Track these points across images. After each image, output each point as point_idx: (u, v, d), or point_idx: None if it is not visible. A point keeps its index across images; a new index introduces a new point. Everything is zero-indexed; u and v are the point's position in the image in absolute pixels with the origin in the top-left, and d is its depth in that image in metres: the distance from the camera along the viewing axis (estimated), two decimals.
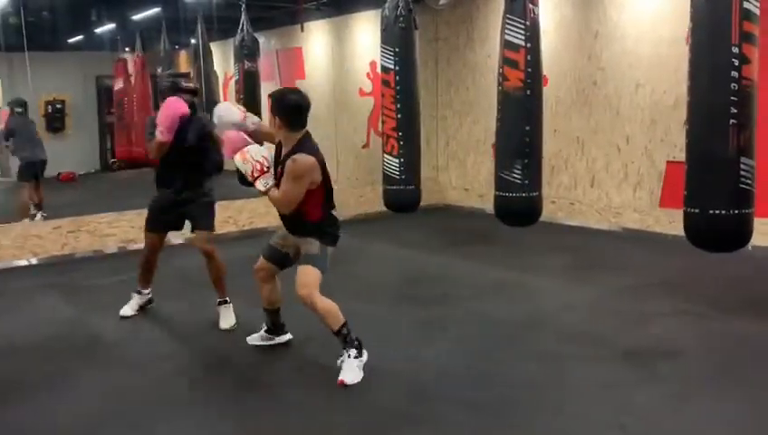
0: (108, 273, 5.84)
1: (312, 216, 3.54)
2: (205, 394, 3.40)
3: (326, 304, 3.48)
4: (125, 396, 3.39)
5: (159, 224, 4.52)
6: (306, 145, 3.49)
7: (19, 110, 7.93)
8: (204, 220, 4.44)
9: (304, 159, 3.41)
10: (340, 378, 3.39)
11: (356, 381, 3.38)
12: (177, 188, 4.36)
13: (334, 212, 3.66)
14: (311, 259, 3.50)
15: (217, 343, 4.13)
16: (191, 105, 4.29)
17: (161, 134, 4.17)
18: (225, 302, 4.43)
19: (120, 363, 3.83)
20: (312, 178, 3.44)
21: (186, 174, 4.34)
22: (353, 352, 3.46)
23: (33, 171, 7.97)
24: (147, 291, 4.72)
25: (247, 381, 3.53)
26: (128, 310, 4.62)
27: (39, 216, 7.84)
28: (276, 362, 3.80)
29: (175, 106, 4.18)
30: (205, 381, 3.57)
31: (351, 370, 3.42)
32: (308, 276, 3.46)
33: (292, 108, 3.49)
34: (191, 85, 4.50)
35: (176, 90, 4.31)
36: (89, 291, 5.36)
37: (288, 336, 4.00)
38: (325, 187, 3.56)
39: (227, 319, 4.37)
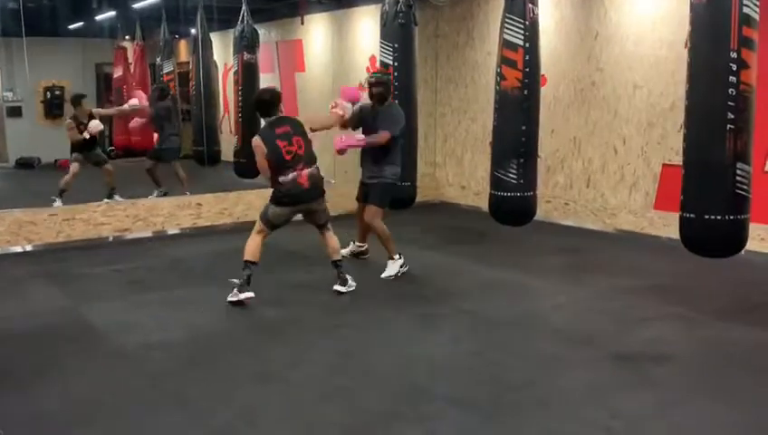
0: (102, 262, 5.85)
1: None
2: (196, 386, 3.41)
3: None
4: (116, 386, 3.40)
5: (360, 195, 5.59)
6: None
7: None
8: (374, 197, 5.34)
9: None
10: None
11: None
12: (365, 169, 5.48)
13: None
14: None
15: (210, 334, 4.14)
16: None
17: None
18: (391, 258, 5.31)
19: (111, 353, 3.84)
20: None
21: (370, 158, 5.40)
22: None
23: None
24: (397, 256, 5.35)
25: (239, 376, 3.54)
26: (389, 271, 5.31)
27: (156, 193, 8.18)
28: (264, 352, 3.81)
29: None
30: (197, 373, 3.58)
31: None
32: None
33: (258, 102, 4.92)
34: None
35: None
36: (82, 279, 5.37)
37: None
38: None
39: (388, 271, 5.29)
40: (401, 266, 5.29)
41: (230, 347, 3.92)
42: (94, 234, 6.58)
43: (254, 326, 4.29)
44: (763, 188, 5.56)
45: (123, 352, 3.84)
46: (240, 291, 4.55)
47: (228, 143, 9.37)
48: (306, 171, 4.65)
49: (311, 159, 4.73)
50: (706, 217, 3.95)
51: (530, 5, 4.84)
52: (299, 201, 4.69)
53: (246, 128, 8.26)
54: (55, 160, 10.66)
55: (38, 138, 10.71)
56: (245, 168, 8.41)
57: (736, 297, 4.78)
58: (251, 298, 4.58)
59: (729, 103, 3.76)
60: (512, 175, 4.90)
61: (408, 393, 3.31)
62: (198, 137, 8.95)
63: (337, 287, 4.85)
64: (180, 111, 10.60)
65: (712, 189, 3.95)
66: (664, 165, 6.37)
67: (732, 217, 3.90)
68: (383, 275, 5.25)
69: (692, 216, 4.04)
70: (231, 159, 8.57)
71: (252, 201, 7.43)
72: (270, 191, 4.79)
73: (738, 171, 3.89)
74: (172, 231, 6.98)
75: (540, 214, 5.59)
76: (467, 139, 8.47)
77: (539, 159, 5.12)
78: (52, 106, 11.10)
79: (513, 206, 5.00)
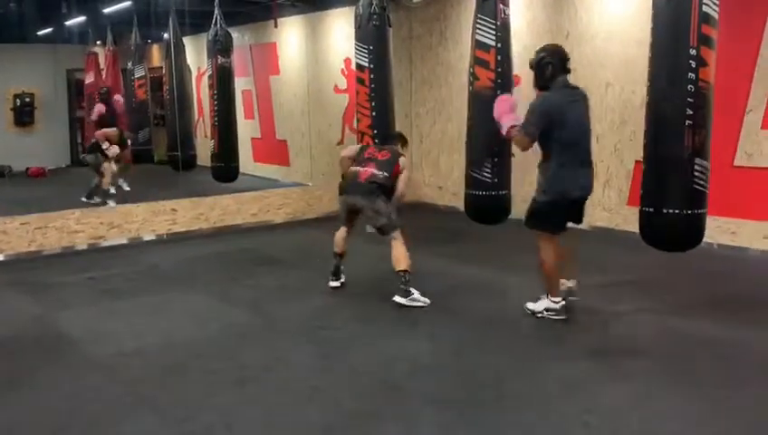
0: (75, 270, 5.77)
1: None
2: (173, 393, 3.38)
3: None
4: (90, 395, 3.35)
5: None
6: None
7: None
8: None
9: None
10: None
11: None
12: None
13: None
14: None
15: (186, 340, 4.11)
16: None
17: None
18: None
19: (85, 362, 3.79)
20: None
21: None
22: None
23: None
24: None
25: (216, 381, 3.52)
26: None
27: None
28: (241, 357, 3.79)
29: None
30: (172, 379, 3.55)
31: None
32: None
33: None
34: None
35: None
36: (55, 288, 5.29)
37: None
38: None
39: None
40: (548, 311, 4.26)
41: (206, 353, 3.89)
42: (68, 242, 6.50)
43: (231, 331, 4.26)
44: (734, 182, 5.68)
45: (97, 361, 3.80)
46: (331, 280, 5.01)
47: (204, 147, 9.33)
48: (370, 171, 4.79)
49: (383, 168, 4.82)
50: (665, 211, 4.01)
51: (501, 6, 4.89)
52: (348, 192, 4.87)
53: (222, 131, 8.25)
54: (27, 169, 10.50)
55: (8, 146, 10.52)
56: (223, 171, 8.39)
57: (708, 291, 4.85)
58: (336, 287, 4.98)
59: (688, 100, 3.84)
60: (486, 174, 4.94)
61: (387, 393, 3.32)
62: (173, 142, 8.91)
63: (396, 298, 4.60)
64: (155, 116, 10.53)
65: (670, 184, 4.01)
66: (637, 162, 6.44)
67: (689, 212, 3.96)
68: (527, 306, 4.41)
69: (651, 210, 4.09)
70: (207, 163, 8.53)
71: (228, 205, 7.41)
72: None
73: (696, 166, 3.96)
74: (148, 237, 6.92)
75: (515, 212, 5.63)
76: (443, 139, 8.51)
77: (512, 159, 5.16)
78: (22, 113, 10.92)
79: (488, 204, 5.04)
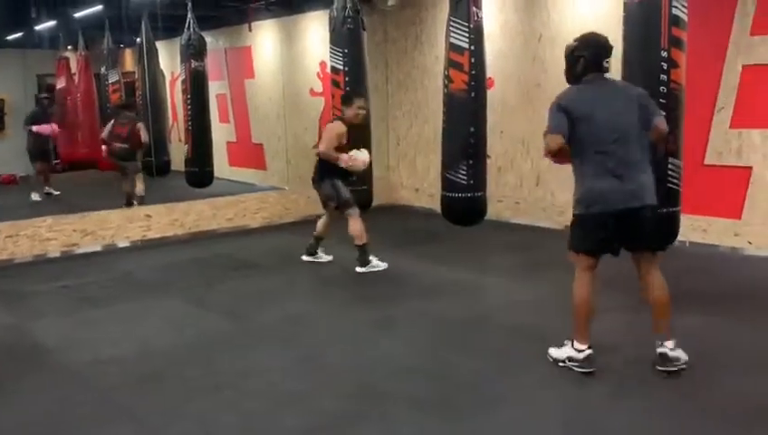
0: (49, 278, 5.69)
1: None
2: (149, 401, 3.35)
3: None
4: (65, 404, 3.31)
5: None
6: None
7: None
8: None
9: None
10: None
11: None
12: None
13: None
14: None
15: (162, 348, 4.07)
16: None
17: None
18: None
19: (60, 371, 3.74)
20: None
21: None
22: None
23: None
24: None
25: (193, 388, 3.49)
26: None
27: None
28: (218, 363, 3.77)
29: None
30: (149, 387, 3.51)
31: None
32: None
33: None
34: None
35: None
36: (29, 297, 5.21)
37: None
38: None
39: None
40: (571, 361, 3.46)
41: (183, 360, 3.86)
42: (40, 250, 6.40)
43: (207, 338, 4.23)
44: (704, 181, 5.78)
45: (73, 370, 3.74)
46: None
47: (178, 152, 9.24)
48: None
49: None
50: None
51: (474, 9, 4.93)
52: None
53: (196, 136, 8.19)
54: None
55: None
56: (197, 177, 8.33)
57: (680, 288, 4.89)
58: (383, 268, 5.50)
59: (660, 101, 3.91)
60: (462, 176, 4.97)
61: (366, 395, 3.32)
62: (147, 147, 8.81)
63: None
64: None
65: None
66: None
67: (665, 210, 4.04)
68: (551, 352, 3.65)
69: None
70: (181, 168, 8.46)
71: (203, 211, 7.35)
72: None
73: (670, 166, 4.04)
74: (122, 244, 6.84)
75: (491, 213, 5.68)
76: (420, 141, 8.54)
77: (488, 160, 5.21)
78: None
79: (464, 206, 5.07)
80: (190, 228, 7.19)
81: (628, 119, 3.33)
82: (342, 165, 5.28)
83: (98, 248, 6.67)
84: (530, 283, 5.19)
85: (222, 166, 10.24)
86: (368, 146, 5.86)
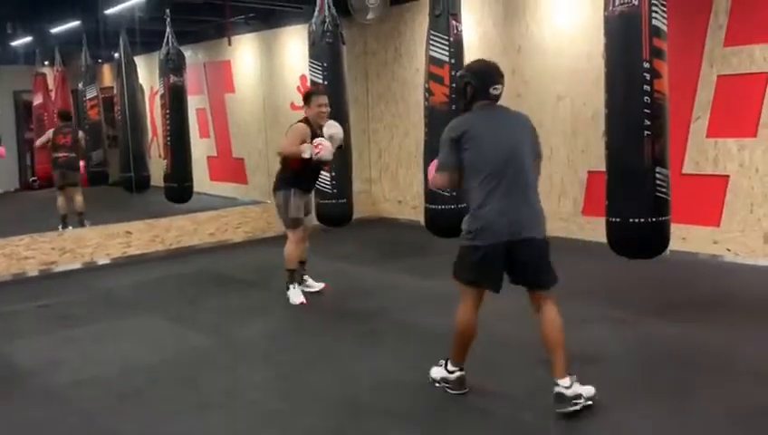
0: (27, 298, 5.58)
1: None
2: (131, 421, 3.28)
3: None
4: (45, 427, 3.24)
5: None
6: None
7: None
8: None
9: None
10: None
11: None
12: None
13: None
14: None
15: (144, 367, 4.00)
16: None
17: None
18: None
19: (38, 393, 3.66)
20: None
21: None
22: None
23: None
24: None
25: (175, 407, 3.43)
26: None
27: None
28: (200, 382, 3.71)
29: None
30: (130, 407, 3.45)
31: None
32: None
33: None
34: None
35: None
36: (5, 317, 5.10)
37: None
38: None
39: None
40: (444, 382, 3.45)
41: (165, 379, 3.79)
42: (18, 269, 6.29)
43: (190, 356, 4.17)
44: (683, 190, 5.85)
45: (52, 391, 3.67)
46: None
47: (158, 167, 9.18)
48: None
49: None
50: (631, 220, 4.12)
51: (453, 22, 4.97)
52: None
53: (176, 151, 8.14)
54: None
55: None
56: (176, 192, 8.27)
57: (662, 296, 4.97)
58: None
59: (645, 111, 3.96)
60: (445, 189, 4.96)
61: (351, 410, 3.29)
62: (126, 163, 8.75)
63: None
64: (107, 137, 10.32)
65: (634, 193, 4.13)
66: (589, 172, 6.60)
67: (654, 220, 4.08)
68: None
69: (617, 220, 4.21)
70: (161, 183, 8.39)
71: (184, 226, 7.28)
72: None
73: (657, 175, 4.08)
74: (102, 261, 6.75)
75: None
76: (401, 154, 8.56)
77: None
78: None
79: (448, 218, 5.08)
80: (171, 244, 7.12)
81: (518, 147, 3.23)
82: (307, 156, 4.77)
83: (77, 266, 6.58)
84: (513, 294, 5.17)
85: (203, 180, 10.17)
86: (348, 152, 5.79)
